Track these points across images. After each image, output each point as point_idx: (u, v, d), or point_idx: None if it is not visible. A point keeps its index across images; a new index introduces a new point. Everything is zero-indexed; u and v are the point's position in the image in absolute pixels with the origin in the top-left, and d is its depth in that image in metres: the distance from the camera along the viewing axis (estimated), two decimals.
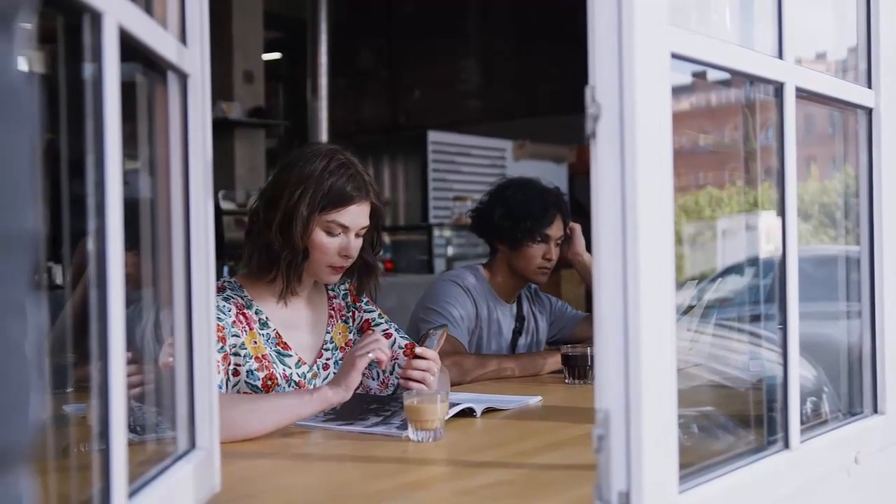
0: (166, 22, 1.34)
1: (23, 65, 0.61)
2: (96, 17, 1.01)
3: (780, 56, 1.56)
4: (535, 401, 2.42)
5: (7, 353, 0.59)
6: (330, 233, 2.24)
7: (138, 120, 1.35)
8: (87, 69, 1.03)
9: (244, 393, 2.21)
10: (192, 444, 1.41)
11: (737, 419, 1.77)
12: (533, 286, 3.28)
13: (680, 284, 1.31)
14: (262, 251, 2.26)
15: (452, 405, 2.09)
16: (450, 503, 1.54)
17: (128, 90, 1.10)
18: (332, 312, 2.44)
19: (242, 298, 2.27)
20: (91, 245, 1.02)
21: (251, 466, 1.81)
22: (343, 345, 2.42)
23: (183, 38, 1.39)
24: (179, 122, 1.39)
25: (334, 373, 2.34)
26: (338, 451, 1.87)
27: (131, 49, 1.13)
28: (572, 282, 6.60)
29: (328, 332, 2.41)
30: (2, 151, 0.58)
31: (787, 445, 1.55)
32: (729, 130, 2.05)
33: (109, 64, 1.03)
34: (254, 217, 2.30)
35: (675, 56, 1.28)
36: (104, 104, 1.03)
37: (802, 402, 1.66)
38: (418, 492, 1.61)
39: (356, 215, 2.26)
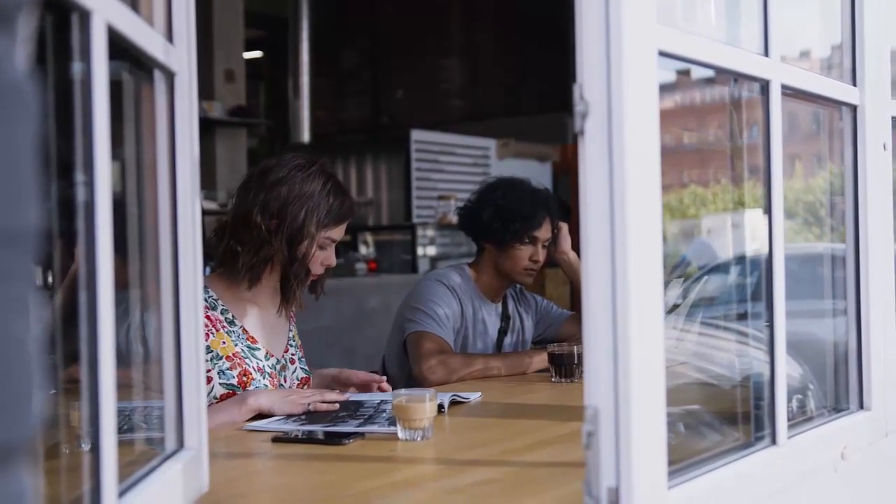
0: (153, 20, 1.33)
1: (24, 63, 0.61)
2: (85, 16, 1.01)
3: (766, 54, 1.57)
4: (475, 396, 2.45)
5: (11, 348, 0.59)
6: (321, 247, 2.38)
7: (124, 119, 1.34)
8: (75, 67, 1.03)
9: (220, 396, 2.27)
10: (181, 444, 1.40)
11: (724, 416, 1.78)
12: (518, 285, 3.28)
13: (665, 283, 1.31)
14: (263, 262, 2.34)
15: None
16: (440, 501, 1.54)
17: (113, 88, 1.09)
18: (291, 314, 2.56)
19: (206, 300, 2.30)
20: (80, 246, 1.02)
21: (239, 466, 1.81)
22: (299, 345, 2.57)
23: (170, 36, 1.38)
24: (166, 120, 1.38)
25: (300, 367, 2.51)
26: (326, 451, 1.87)
27: (118, 47, 1.12)
28: (556, 281, 6.62)
29: (290, 331, 2.53)
30: (6, 148, 0.58)
31: (774, 441, 1.56)
32: (713, 128, 2.06)
33: (98, 62, 1.02)
34: (246, 224, 2.32)
35: (662, 54, 1.28)
36: (93, 103, 1.02)
37: (789, 400, 1.66)
38: (408, 490, 1.61)
39: (344, 230, 2.44)
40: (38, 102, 0.62)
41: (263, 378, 2.34)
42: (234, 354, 2.31)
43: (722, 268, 2.55)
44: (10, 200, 0.58)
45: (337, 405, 2.21)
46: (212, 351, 2.27)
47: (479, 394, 2.47)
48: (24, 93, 0.60)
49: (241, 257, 2.32)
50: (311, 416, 2.14)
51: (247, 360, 2.32)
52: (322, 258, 2.39)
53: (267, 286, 2.40)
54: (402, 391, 2.00)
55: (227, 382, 2.28)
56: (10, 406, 0.59)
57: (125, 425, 1.37)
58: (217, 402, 2.23)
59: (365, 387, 2.49)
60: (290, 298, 2.40)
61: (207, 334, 2.26)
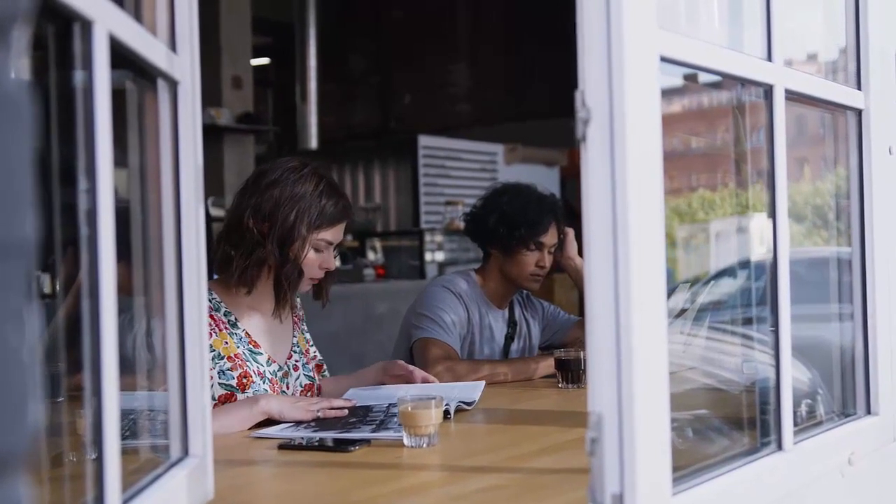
0: (156, 29, 1.34)
1: (20, 73, 0.62)
2: (87, 25, 1.01)
3: (770, 58, 1.56)
4: (479, 386, 2.50)
5: (6, 359, 0.59)
6: (317, 249, 2.38)
7: (128, 127, 1.35)
8: (78, 76, 1.03)
9: (219, 397, 2.28)
10: (186, 452, 1.40)
11: (730, 421, 1.77)
12: (525, 291, 3.28)
13: (673, 287, 1.31)
14: (256, 265, 2.34)
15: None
16: None
17: (117, 97, 1.09)
18: (295, 320, 2.57)
19: (210, 301, 2.31)
20: (83, 253, 1.02)
21: (244, 474, 1.81)
22: (304, 350, 2.55)
23: (173, 45, 1.39)
24: (170, 129, 1.39)
25: (304, 374, 2.50)
26: (332, 459, 1.86)
27: (121, 56, 1.13)
28: (565, 286, 6.60)
29: (294, 337, 2.53)
30: (1, 159, 0.58)
31: (780, 447, 1.55)
32: (721, 133, 2.06)
33: (100, 72, 1.03)
34: (239, 227, 2.34)
35: (664, 59, 1.28)
36: (95, 112, 1.02)
37: (797, 405, 1.66)
38: (413, 497, 1.61)
39: (341, 232, 2.43)
40: (34, 113, 0.62)
41: (263, 382, 2.34)
42: (235, 356, 2.32)
43: (730, 272, 2.55)
44: (6, 212, 0.59)
45: (346, 412, 2.21)
46: (213, 350, 2.28)
47: (483, 382, 2.53)
48: (20, 104, 0.60)
49: (234, 261, 2.33)
50: (321, 422, 2.14)
51: (248, 363, 2.33)
52: (319, 261, 2.38)
53: (267, 292, 2.41)
54: (408, 397, 2.00)
55: (227, 383, 2.28)
56: (5, 416, 0.59)
57: (127, 431, 1.37)
58: (217, 404, 2.24)
59: (406, 379, 2.52)
60: (282, 301, 2.39)
61: (210, 333, 2.27)
